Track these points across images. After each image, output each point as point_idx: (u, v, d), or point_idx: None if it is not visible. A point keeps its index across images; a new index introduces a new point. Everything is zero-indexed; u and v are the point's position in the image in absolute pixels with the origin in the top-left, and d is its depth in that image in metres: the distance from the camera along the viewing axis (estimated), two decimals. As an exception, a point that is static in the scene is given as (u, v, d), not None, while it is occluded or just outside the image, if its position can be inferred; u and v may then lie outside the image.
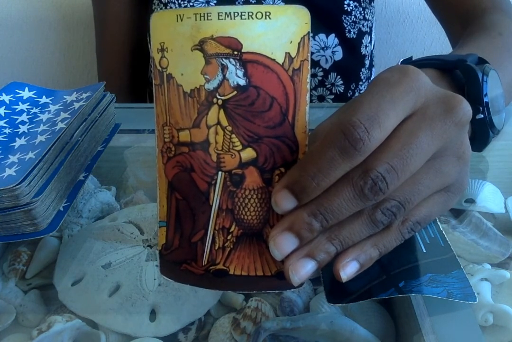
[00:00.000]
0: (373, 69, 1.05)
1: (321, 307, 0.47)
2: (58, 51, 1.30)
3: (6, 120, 0.55)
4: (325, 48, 0.92)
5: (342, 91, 0.96)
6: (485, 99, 0.50)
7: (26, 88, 0.60)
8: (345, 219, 0.34)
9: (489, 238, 0.52)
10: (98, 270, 0.49)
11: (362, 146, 0.32)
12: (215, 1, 0.88)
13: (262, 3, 0.86)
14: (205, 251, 0.38)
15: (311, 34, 0.35)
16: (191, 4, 0.87)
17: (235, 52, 0.34)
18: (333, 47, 0.92)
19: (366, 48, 0.97)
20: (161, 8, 0.89)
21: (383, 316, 0.46)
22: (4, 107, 0.56)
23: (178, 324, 0.45)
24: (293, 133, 0.35)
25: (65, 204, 0.49)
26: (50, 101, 0.59)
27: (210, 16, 0.34)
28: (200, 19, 0.34)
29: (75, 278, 0.49)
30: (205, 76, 0.35)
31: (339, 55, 0.93)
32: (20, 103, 0.58)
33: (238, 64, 0.35)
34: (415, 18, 1.26)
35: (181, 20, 0.35)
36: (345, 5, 0.91)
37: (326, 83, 0.95)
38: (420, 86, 0.35)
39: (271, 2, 0.86)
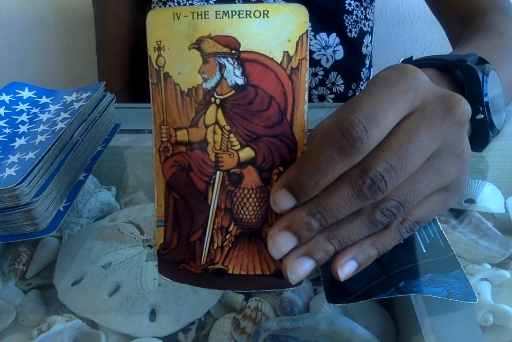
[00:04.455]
0: (372, 70, 1.05)
1: (321, 307, 0.47)
2: (58, 51, 1.30)
3: (6, 120, 0.55)
4: (326, 48, 0.92)
5: (342, 90, 0.96)
6: (485, 99, 0.50)
7: (26, 88, 0.60)
8: (344, 218, 0.34)
9: (489, 238, 0.52)
10: (98, 270, 0.49)
11: (360, 145, 0.32)
12: (214, 0, 0.88)
13: (262, 2, 0.86)
14: (204, 250, 0.38)
15: (310, 33, 0.35)
16: (190, 2, 0.87)
17: (233, 51, 0.34)
18: (334, 47, 0.92)
19: (367, 48, 0.97)
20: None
21: (383, 316, 0.46)
22: (4, 107, 0.56)
23: (178, 324, 0.45)
24: (291, 132, 0.35)
25: (65, 204, 0.49)
26: (50, 101, 0.59)
27: (207, 14, 0.34)
28: (198, 18, 0.34)
29: (75, 278, 0.49)
30: (203, 75, 0.35)
31: (340, 54, 0.94)
32: (20, 103, 0.58)
33: (236, 63, 0.34)
34: (415, 18, 1.26)
35: (178, 18, 0.34)
36: (346, 5, 0.91)
37: (327, 83, 0.95)
38: (418, 85, 0.35)
39: (271, 1, 0.86)
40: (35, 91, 0.60)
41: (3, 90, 0.58)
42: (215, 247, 0.38)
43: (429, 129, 0.34)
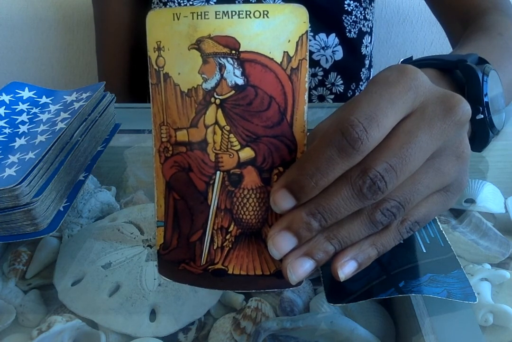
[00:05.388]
0: (372, 70, 1.05)
1: (321, 307, 0.47)
2: (58, 51, 1.30)
3: (6, 120, 0.55)
4: (325, 48, 0.92)
5: (342, 91, 0.96)
6: (485, 99, 0.50)
7: (26, 88, 0.60)
8: (344, 218, 0.34)
9: (489, 238, 0.52)
10: (98, 270, 0.49)
11: (360, 146, 0.32)
12: (214, 0, 0.88)
13: (262, 2, 0.86)
14: (204, 250, 0.38)
15: (310, 33, 0.35)
16: (191, 3, 0.87)
17: (233, 51, 0.34)
18: (334, 47, 0.92)
19: (366, 48, 0.97)
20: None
21: (383, 316, 0.46)
22: (4, 107, 0.56)
23: (178, 324, 0.45)
24: (291, 133, 0.35)
25: (65, 204, 0.49)
26: (50, 101, 0.59)
27: (207, 15, 0.34)
28: (197, 18, 0.34)
29: (75, 278, 0.49)
30: (203, 75, 0.35)
31: (339, 55, 0.93)
32: (20, 103, 0.58)
33: (236, 63, 0.34)
34: (415, 18, 1.26)
35: (178, 19, 0.34)
36: (346, 5, 0.91)
37: (326, 83, 0.95)
38: (418, 85, 0.35)
39: (271, 1, 0.86)
40: (35, 91, 0.60)
41: (3, 90, 0.58)
42: (215, 247, 0.38)
43: (429, 129, 0.34)
